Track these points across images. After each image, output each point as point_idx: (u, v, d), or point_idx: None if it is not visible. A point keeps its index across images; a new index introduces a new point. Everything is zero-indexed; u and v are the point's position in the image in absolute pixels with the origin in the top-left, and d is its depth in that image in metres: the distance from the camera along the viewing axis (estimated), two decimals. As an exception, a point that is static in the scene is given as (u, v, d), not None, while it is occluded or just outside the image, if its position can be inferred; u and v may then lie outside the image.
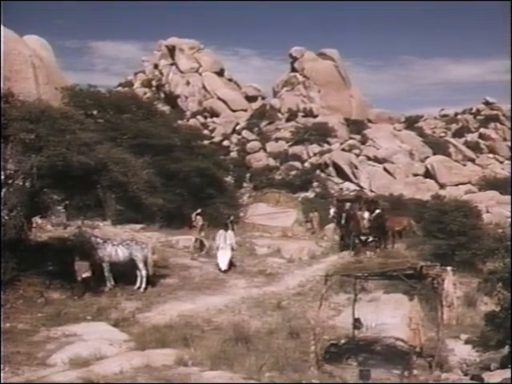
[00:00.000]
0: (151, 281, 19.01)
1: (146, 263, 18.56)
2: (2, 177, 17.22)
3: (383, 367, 12.39)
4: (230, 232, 24.16)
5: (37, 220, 17.09)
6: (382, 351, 13.49)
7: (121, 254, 18.45)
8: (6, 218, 17.29)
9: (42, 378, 10.03)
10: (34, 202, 18.09)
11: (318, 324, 12.81)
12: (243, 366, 11.02)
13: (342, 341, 14.08)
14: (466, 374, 12.44)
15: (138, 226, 27.63)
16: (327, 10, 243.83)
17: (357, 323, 13.90)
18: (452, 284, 13.40)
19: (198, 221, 25.93)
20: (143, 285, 18.32)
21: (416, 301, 12.83)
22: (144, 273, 18.44)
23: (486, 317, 14.39)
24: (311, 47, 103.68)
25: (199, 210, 25.79)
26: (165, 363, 10.78)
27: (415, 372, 12.10)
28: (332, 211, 31.27)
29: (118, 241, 19.30)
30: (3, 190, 17.22)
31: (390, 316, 14.98)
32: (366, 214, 26.91)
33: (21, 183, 17.60)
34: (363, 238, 26.67)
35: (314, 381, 11.12)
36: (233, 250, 23.15)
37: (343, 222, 27.86)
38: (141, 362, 10.68)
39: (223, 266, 22.32)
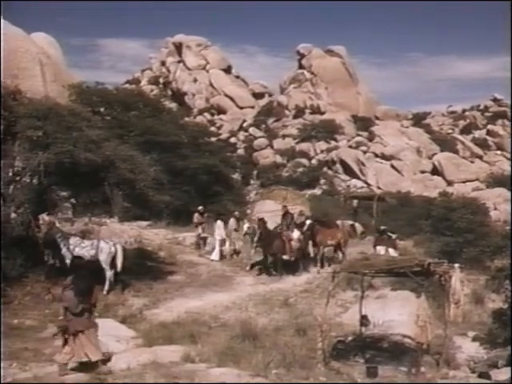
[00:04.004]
0: (160, 277, 19.06)
1: (113, 263, 17.11)
2: (10, 174, 17.29)
3: (390, 364, 12.39)
4: (218, 222, 24.23)
5: (44, 217, 17.12)
6: (389, 348, 13.46)
7: (81, 252, 16.55)
8: (14, 214, 17.36)
9: (49, 375, 10.07)
10: (41, 198, 18.13)
11: (325, 321, 12.78)
12: (250, 362, 11.02)
13: (349, 338, 14.03)
14: (473, 372, 12.42)
15: (145, 223, 27.68)
16: (334, 8, 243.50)
17: (364, 320, 13.86)
18: (459, 281, 13.33)
19: (205, 218, 25.90)
20: (106, 287, 16.82)
21: (423, 298, 12.76)
22: (109, 274, 17.00)
23: (494, 314, 14.40)
24: (318, 45, 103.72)
25: (200, 208, 25.64)
26: (172, 360, 10.80)
27: (422, 369, 12.06)
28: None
29: (84, 239, 17.91)
30: (11, 187, 17.30)
31: (397, 313, 14.92)
32: (296, 234, 21.93)
33: (28, 180, 17.68)
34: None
35: (320, 378, 11.12)
36: (225, 240, 23.58)
37: (257, 238, 21.35)
38: (148, 359, 10.70)
39: (213, 256, 22.97)
